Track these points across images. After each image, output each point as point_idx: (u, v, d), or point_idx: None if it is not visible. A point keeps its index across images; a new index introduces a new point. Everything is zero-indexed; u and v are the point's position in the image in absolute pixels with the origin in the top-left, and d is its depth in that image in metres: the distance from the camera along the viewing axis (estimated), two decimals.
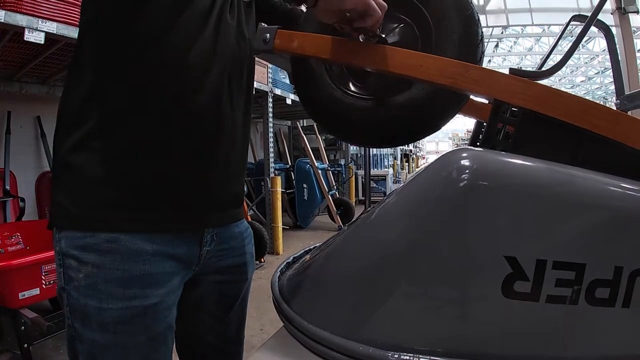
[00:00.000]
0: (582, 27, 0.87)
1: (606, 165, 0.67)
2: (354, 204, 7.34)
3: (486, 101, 0.94)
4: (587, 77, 20.81)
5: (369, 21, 0.75)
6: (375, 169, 10.07)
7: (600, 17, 1.03)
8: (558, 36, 1.38)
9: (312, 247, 1.03)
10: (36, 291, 2.39)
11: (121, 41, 0.75)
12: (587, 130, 0.69)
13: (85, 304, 0.75)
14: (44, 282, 2.39)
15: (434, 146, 45.28)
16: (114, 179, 0.76)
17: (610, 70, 1.54)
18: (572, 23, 1.27)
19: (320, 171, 6.35)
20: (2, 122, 3.53)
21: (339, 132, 1.06)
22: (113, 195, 0.76)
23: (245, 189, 4.84)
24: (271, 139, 5.13)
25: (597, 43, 14.87)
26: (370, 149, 7.51)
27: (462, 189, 0.63)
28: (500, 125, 0.77)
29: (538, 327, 0.60)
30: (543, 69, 1.04)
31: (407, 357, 0.59)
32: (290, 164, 6.88)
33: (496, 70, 0.76)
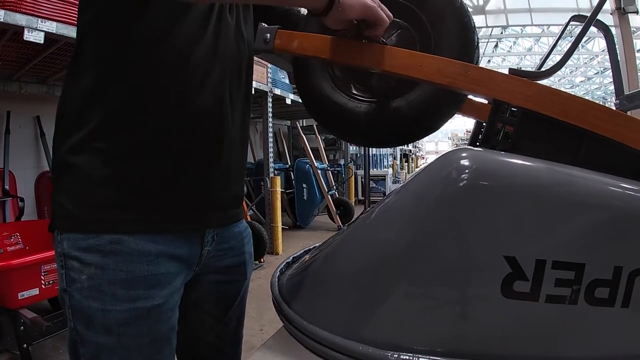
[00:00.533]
0: (581, 27, 0.87)
1: (606, 165, 0.67)
2: (353, 204, 7.34)
3: (486, 101, 0.94)
4: (587, 77, 20.82)
5: (378, 30, 0.78)
6: (375, 169, 10.07)
7: (599, 17, 1.03)
8: (557, 36, 1.38)
9: (311, 247, 1.03)
10: (35, 291, 2.38)
11: (121, 42, 0.75)
12: (587, 131, 0.69)
13: (88, 306, 0.74)
14: (43, 282, 2.39)
15: (434, 146, 45.29)
16: (117, 179, 0.76)
17: (610, 70, 1.55)
18: (571, 23, 1.27)
19: (319, 171, 6.35)
20: (1, 122, 3.53)
21: (338, 133, 1.07)
22: (116, 196, 0.76)
23: (244, 189, 4.84)
24: (271, 139, 5.13)
25: (596, 43, 14.87)
26: (370, 149, 7.51)
27: (461, 188, 0.63)
28: (499, 125, 0.77)
29: (537, 327, 0.60)
30: (543, 69, 1.04)
31: (407, 357, 0.59)
32: (289, 164, 6.87)
33: (495, 70, 0.76)
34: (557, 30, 11.66)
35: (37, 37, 2.30)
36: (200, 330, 0.97)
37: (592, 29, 1.12)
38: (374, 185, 8.92)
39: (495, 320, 0.60)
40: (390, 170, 10.46)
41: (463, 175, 0.64)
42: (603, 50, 14.04)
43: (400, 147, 13.71)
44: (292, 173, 6.54)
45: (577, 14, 1.26)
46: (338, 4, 0.72)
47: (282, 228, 5.26)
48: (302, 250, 1.02)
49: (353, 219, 0.89)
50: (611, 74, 1.54)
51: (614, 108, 1.43)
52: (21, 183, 3.50)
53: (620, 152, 0.68)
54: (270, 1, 0.91)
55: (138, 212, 0.77)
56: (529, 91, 0.71)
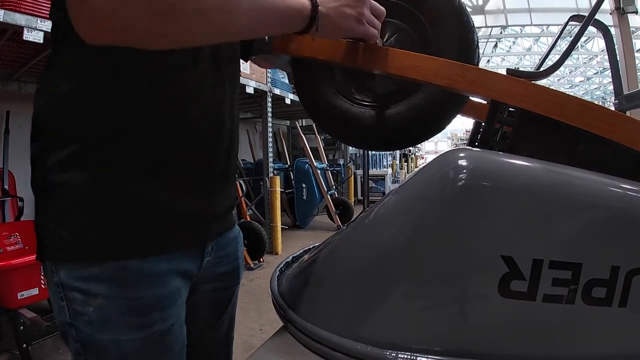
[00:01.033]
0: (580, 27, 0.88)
1: (603, 165, 0.67)
2: (352, 204, 7.34)
3: (484, 101, 0.94)
4: (586, 77, 20.81)
5: (368, 41, 0.80)
6: (374, 169, 10.06)
7: (599, 17, 1.03)
8: (556, 36, 1.39)
9: (311, 246, 1.03)
10: (35, 291, 2.39)
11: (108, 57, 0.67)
12: (585, 131, 0.69)
13: (100, 339, 0.69)
14: (43, 282, 2.39)
15: (433, 146, 45.25)
16: (118, 200, 0.69)
17: (609, 70, 1.55)
18: (570, 23, 1.27)
19: (319, 171, 6.35)
20: (0, 122, 3.53)
21: (343, 139, 1.07)
22: (118, 218, 0.69)
23: (244, 189, 4.85)
24: (270, 139, 5.13)
25: (596, 43, 14.88)
26: None
27: (459, 188, 0.64)
28: (497, 126, 0.77)
29: (534, 326, 0.60)
30: (541, 69, 1.04)
31: (405, 356, 0.59)
32: (289, 163, 6.88)
33: (494, 70, 0.76)
34: (556, 30, 11.66)
35: (36, 37, 2.30)
36: (195, 337, 0.93)
37: (592, 29, 1.12)
38: (373, 185, 8.92)
39: (493, 319, 0.60)
40: (389, 170, 10.46)
41: (461, 176, 0.64)
42: (602, 50, 14.03)
43: None
44: (291, 173, 6.54)
45: (576, 14, 1.26)
46: (315, 30, 0.71)
47: (282, 228, 5.26)
48: (302, 250, 1.03)
49: (352, 219, 0.90)
50: (610, 74, 1.54)
51: (613, 108, 1.44)
52: (20, 183, 3.50)
53: (618, 152, 0.68)
54: (247, 34, 0.70)
55: (144, 234, 0.71)
56: (526, 92, 0.71)
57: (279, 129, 7.85)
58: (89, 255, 0.68)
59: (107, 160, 0.68)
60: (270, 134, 5.13)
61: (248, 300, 3.54)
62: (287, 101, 5.55)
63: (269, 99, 5.05)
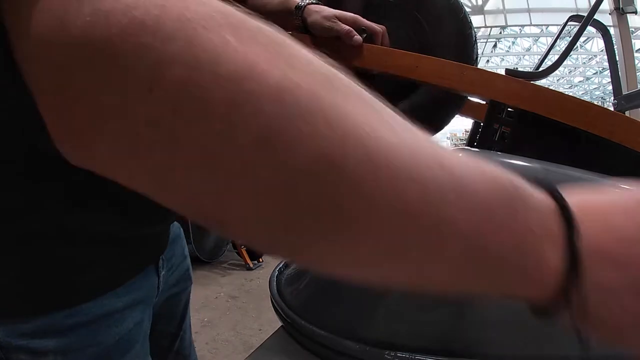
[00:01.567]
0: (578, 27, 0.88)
1: (602, 165, 0.68)
2: None
3: (483, 101, 0.94)
4: (585, 78, 20.84)
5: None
6: None
7: (598, 17, 1.04)
8: (555, 36, 1.39)
9: None
10: None
11: None
12: (584, 131, 0.69)
13: None
14: None
15: None
16: (64, 238, 0.55)
17: (608, 70, 1.55)
18: (569, 23, 1.27)
19: None
20: None
21: None
22: (64, 259, 0.55)
23: None
24: None
25: (595, 43, 14.89)
26: None
27: None
28: (496, 126, 0.77)
29: (534, 326, 0.60)
30: (540, 69, 1.04)
31: (404, 356, 0.59)
32: None
33: (493, 71, 0.76)
34: (555, 30, 11.67)
35: None
36: (159, 355, 0.81)
37: (591, 29, 1.13)
38: None
39: (492, 318, 0.60)
40: None
41: None
42: (601, 51, 14.05)
43: None
44: None
45: (575, 14, 1.26)
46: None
47: None
48: None
49: None
50: (609, 74, 1.54)
51: (612, 108, 1.44)
52: None
53: (617, 152, 0.69)
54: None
55: (99, 271, 0.58)
56: (525, 92, 0.71)
57: None
58: (32, 309, 0.55)
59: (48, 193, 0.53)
60: None
61: (247, 300, 3.54)
62: None
63: None
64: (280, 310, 0.76)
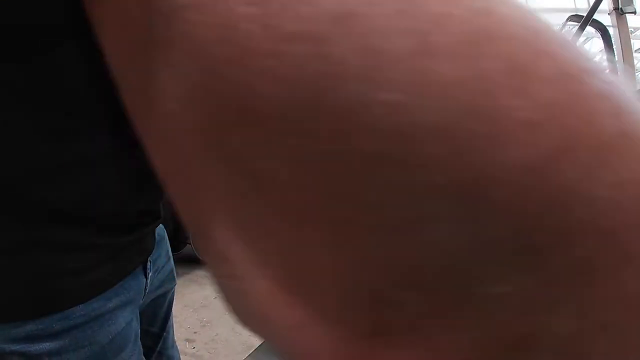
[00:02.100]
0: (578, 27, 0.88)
1: None
2: None
3: None
4: None
5: None
6: None
7: (597, 17, 1.04)
8: None
9: None
10: None
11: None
12: None
13: None
14: None
15: None
16: (57, 243, 0.54)
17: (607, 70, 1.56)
18: (568, 23, 1.28)
19: None
20: None
21: None
22: (59, 264, 0.55)
23: None
24: None
25: (594, 43, 14.90)
26: None
27: None
28: None
29: None
30: None
31: None
32: None
33: None
34: None
35: None
36: (144, 355, 0.79)
37: (590, 29, 1.13)
38: None
39: None
40: None
41: None
42: (601, 50, 14.05)
43: None
44: None
45: (574, 14, 1.26)
46: None
47: None
48: None
49: None
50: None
51: None
52: None
53: None
54: None
55: (88, 275, 0.58)
56: None
57: None
58: (22, 313, 0.55)
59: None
60: None
61: None
62: None
63: None
64: None
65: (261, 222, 0.15)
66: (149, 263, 0.71)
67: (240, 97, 0.14)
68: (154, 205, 0.68)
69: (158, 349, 0.86)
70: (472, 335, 0.13)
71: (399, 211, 0.12)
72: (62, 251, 0.55)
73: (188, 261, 3.29)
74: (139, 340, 0.69)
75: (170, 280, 0.83)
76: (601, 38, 1.41)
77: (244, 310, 0.19)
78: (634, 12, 5.87)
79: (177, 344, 0.94)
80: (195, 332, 2.92)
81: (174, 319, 0.93)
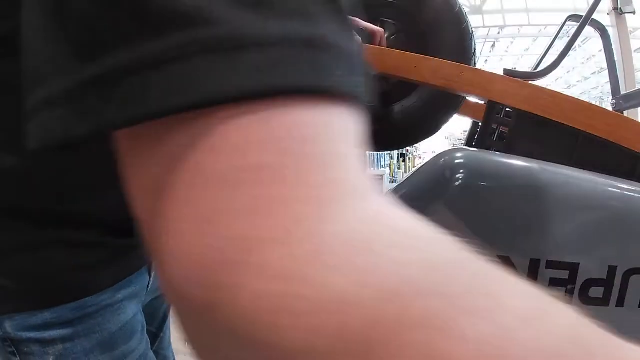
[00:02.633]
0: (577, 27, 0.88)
1: (600, 165, 0.68)
2: None
3: (481, 102, 0.94)
4: (584, 78, 20.85)
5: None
6: (372, 169, 10.05)
7: (596, 17, 1.04)
8: (554, 36, 1.39)
9: None
10: None
11: None
12: (582, 131, 0.69)
13: None
14: None
15: (431, 146, 45.28)
16: (74, 234, 0.59)
17: (607, 70, 1.55)
18: (568, 23, 1.27)
19: None
20: None
21: None
22: (75, 255, 0.60)
23: None
24: None
25: (593, 43, 14.90)
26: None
27: (456, 188, 0.64)
28: (495, 126, 0.77)
29: None
30: (539, 69, 1.04)
31: None
32: None
33: (491, 71, 0.76)
34: (554, 30, 11.67)
35: None
36: None
37: (589, 29, 1.13)
38: None
39: None
40: (387, 170, 10.45)
41: (458, 175, 0.64)
42: (600, 51, 14.04)
43: None
44: None
45: (573, 14, 1.26)
46: None
47: None
48: None
49: None
50: (608, 74, 1.54)
51: (611, 108, 1.44)
52: None
53: (614, 152, 0.69)
54: None
55: (105, 267, 0.63)
56: (523, 92, 0.71)
57: None
58: (39, 304, 0.59)
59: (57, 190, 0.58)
60: None
61: None
62: None
63: None
64: None
65: None
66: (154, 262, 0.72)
67: None
68: None
69: (154, 348, 0.87)
70: None
71: None
72: (79, 249, 0.60)
73: None
74: (145, 332, 0.73)
75: None
76: (600, 38, 1.40)
77: None
78: (633, 12, 5.86)
79: (176, 344, 0.94)
80: None
81: (172, 320, 0.92)
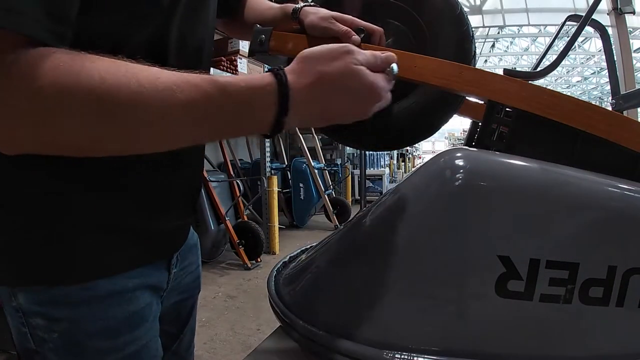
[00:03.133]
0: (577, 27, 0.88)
1: (600, 165, 0.68)
2: (350, 204, 7.34)
3: (481, 101, 0.94)
4: (583, 77, 20.86)
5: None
6: (372, 169, 10.06)
7: (596, 17, 1.04)
8: (554, 36, 1.39)
9: (308, 246, 1.03)
10: None
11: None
12: (582, 131, 0.69)
13: None
14: None
15: (430, 146, 45.26)
16: (86, 214, 0.62)
17: (606, 70, 1.55)
18: (567, 23, 1.27)
19: (316, 171, 6.35)
20: None
21: (335, 136, 1.07)
22: (87, 235, 0.62)
23: (242, 189, 4.85)
24: (267, 139, 5.12)
25: (593, 43, 14.92)
26: None
27: (456, 188, 0.64)
28: (494, 126, 0.77)
29: (532, 326, 0.60)
30: (538, 69, 1.04)
31: (402, 356, 0.59)
32: (286, 163, 6.87)
33: (491, 71, 0.76)
34: (554, 30, 11.67)
35: None
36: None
37: (589, 29, 1.13)
38: (371, 184, 8.92)
39: (490, 319, 0.60)
40: (386, 170, 10.46)
41: (457, 175, 0.64)
42: (600, 51, 14.06)
43: None
44: (289, 173, 6.54)
45: (573, 14, 1.26)
46: (285, 122, 0.53)
47: (279, 228, 5.26)
48: (299, 250, 1.02)
49: (350, 219, 0.89)
50: (607, 74, 1.54)
51: (610, 108, 1.44)
52: None
53: (614, 152, 0.69)
54: (209, 138, 0.55)
55: (116, 252, 0.65)
56: (523, 92, 0.71)
57: None
58: (50, 278, 0.61)
59: (70, 177, 0.60)
60: None
61: (245, 300, 3.54)
62: None
63: None
64: (278, 311, 0.76)
65: None
66: (175, 259, 0.78)
67: None
68: (199, 186, 0.82)
69: (173, 348, 0.90)
70: None
71: None
72: (94, 231, 0.63)
73: None
74: (157, 321, 0.75)
75: (196, 286, 0.91)
76: (600, 38, 1.40)
77: None
78: (633, 12, 5.87)
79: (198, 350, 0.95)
80: None
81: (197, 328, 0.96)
